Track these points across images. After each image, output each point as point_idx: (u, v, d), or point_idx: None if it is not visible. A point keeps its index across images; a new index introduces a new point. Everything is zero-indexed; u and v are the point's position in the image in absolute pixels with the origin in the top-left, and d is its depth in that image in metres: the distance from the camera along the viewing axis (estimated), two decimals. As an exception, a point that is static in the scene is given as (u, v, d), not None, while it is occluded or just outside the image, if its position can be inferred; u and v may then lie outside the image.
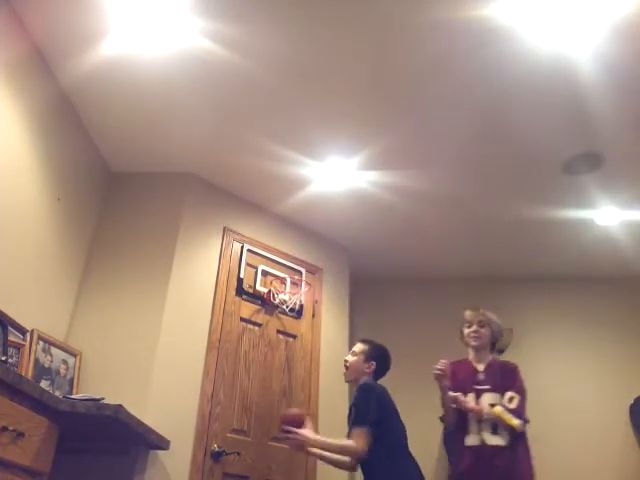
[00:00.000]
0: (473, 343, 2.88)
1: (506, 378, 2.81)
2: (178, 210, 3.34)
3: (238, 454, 3.01)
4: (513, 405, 2.69)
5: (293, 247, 3.84)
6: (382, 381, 2.75)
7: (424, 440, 3.99)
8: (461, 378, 2.83)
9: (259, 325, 3.45)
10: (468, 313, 2.95)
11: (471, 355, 2.92)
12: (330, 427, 3.49)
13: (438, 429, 3.97)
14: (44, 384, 2.57)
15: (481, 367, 2.87)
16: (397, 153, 3.19)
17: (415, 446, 2.54)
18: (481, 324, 2.89)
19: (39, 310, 2.70)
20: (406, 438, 2.54)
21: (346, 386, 3.74)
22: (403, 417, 2.60)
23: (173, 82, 2.75)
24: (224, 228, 3.50)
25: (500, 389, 2.76)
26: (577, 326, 4.35)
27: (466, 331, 2.92)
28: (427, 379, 4.42)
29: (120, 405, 2.01)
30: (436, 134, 3.03)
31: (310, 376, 3.55)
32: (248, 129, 3.06)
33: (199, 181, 3.49)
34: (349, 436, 2.43)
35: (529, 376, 4.22)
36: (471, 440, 2.71)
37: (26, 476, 1.70)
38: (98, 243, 3.26)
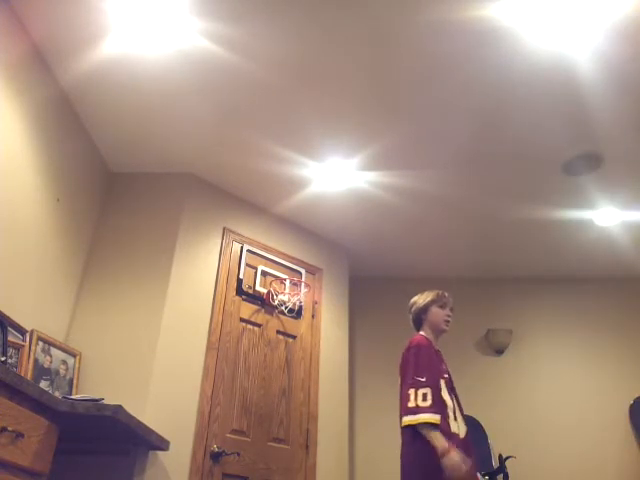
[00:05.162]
0: (446, 328, 2.57)
1: None
2: (178, 210, 3.34)
3: (238, 454, 3.01)
4: None
5: (293, 248, 3.84)
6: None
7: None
8: (443, 365, 2.50)
9: (259, 325, 3.45)
10: (448, 295, 2.64)
11: (432, 340, 2.53)
12: (330, 427, 3.50)
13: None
14: (43, 384, 2.57)
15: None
16: (397, 153, 3.19)
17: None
18: (452, 310, 2.63)
19: (39, 310, 2.70)
20: None
21: (345, 386, 3.74)
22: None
23: (173, 82, 2.75)
24: (224, 228, 3.50)
25: None
26: (577, 326, 4.35)
27: (442, 313, 2.57)
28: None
29: (119, 405, 2.01)
30: (436, 134, 3.03)
31: (310, 376, 3.55)
32: (248, 129, 3.06)
33: (199, 181, 3.49)
34: None
35: (529, 376, 4.27)
36: None
37: (25, 476, 1.70)
38: (97, 243, 3.26)
